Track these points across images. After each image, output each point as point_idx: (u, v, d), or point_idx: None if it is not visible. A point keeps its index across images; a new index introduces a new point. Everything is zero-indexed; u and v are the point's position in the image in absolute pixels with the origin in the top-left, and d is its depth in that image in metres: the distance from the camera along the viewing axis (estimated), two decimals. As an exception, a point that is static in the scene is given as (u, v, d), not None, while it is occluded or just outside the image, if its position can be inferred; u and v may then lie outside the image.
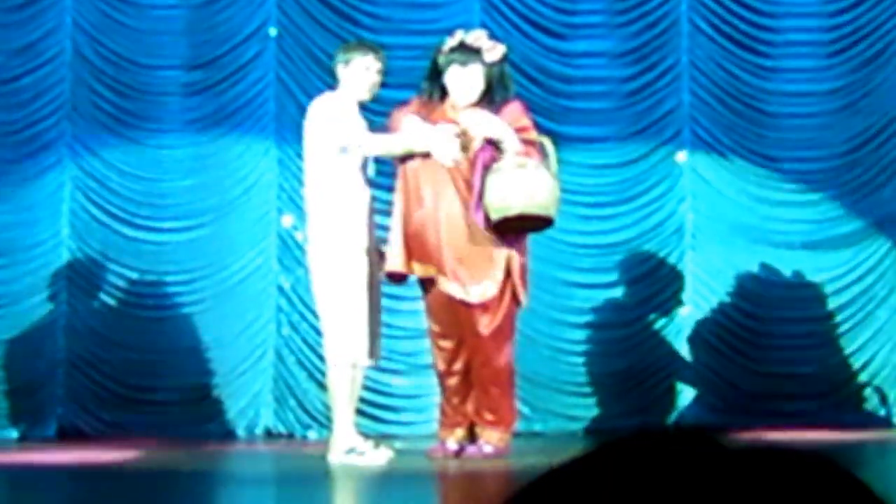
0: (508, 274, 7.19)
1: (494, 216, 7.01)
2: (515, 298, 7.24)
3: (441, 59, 7.19)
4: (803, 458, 1.04)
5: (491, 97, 7.16)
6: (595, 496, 1.03)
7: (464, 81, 7.12)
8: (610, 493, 1.03)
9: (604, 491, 1.03)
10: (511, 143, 7.03)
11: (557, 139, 8.95)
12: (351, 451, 7.17)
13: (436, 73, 7.20)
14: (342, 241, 7.13)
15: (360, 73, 7.25)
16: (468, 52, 7.15)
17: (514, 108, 7.20)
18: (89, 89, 8.96)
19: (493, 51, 7.21)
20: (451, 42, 7.30)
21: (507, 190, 6.97)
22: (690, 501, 1.01)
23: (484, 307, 7.25)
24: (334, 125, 7.14)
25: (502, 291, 7.20)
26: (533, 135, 7.12)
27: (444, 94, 7.21)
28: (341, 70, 7.28)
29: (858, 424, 8.97)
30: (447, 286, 7.22)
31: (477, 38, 7.29)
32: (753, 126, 9.18)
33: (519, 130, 7.11)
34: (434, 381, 9.01)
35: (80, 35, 8.96)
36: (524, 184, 6.95)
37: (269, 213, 8.98)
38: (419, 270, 7.31)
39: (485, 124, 7.05)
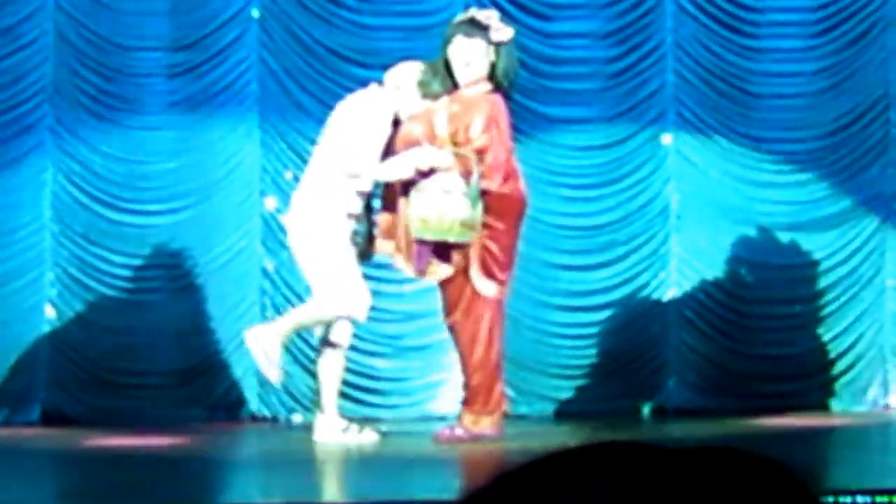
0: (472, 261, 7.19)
1: (413, 235, 7.09)
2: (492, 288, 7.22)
3: (448, 30, 7.25)
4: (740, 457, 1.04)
5: (496, 80, 7.17)
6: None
7: (465, 53, 7.16)
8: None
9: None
10: (441, 161, 7.06)
11: (541, 120, 8.99)
12: (339, 432, 7.17)
13: (445, 62, 7.20)
14: (321, 210, 7.11)
15: (414, 102, 7.16)
16: (475, 26, 7.19)
17: (498, 104, 7.20)
18: (71, 71, 8.90)
19: (501, 31, 7.20)
20: (461, 17, 7.38)
21: (425, 213, 7.03)
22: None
23: (446, 292, 7.27)
24: (358, 148, 7.08)
25: (462, 277, 7.18)
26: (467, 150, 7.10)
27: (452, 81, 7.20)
28: (406, 84, 7.17)
29: (844, 406, 8.99)
30: (398, 262, 7.30)
31: (488, 16, 7.32)
32: (738, 107, 9.15)
33: (487, 128, 7.08)
34: (418, 363, 9.02)
35: (61, 17, 8.90)
36: (442, 210, 7.00)
37: (253, 196, 8.94)
38: (382, 247, 7.37)
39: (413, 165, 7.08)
